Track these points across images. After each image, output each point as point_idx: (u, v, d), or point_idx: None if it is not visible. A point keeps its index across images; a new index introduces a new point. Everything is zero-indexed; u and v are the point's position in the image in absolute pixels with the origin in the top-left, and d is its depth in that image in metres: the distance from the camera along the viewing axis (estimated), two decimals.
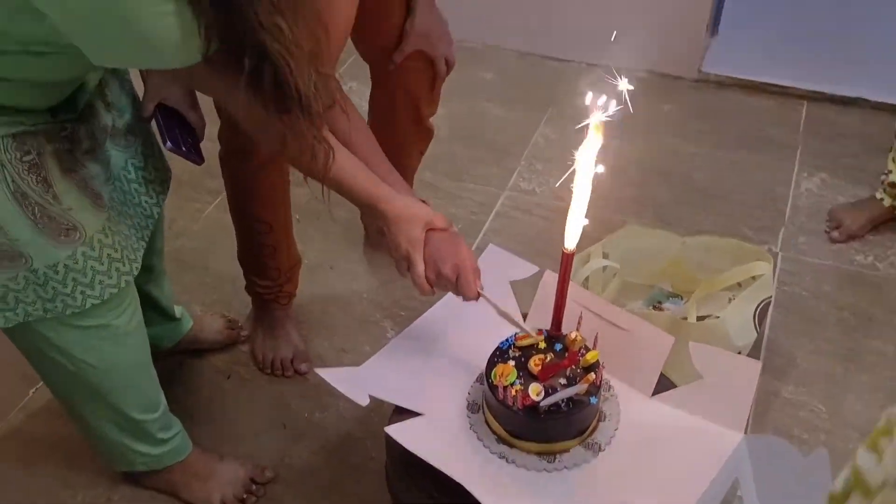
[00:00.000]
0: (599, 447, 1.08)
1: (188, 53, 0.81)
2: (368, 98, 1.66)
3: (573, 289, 1.21)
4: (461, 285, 1.08)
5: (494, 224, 2.02)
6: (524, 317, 1.29)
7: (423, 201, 1.15)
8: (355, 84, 2.20)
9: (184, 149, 1.20)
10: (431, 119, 1.70)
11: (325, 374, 1.15)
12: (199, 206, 2.05)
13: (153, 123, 1.24)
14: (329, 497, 1.46)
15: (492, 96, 2.48)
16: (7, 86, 0.92)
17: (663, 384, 1.17)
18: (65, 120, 1.02)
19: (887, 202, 1.92)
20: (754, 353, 1.63)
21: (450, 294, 1.14)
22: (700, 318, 1.67)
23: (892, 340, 1.70)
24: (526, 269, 1.33)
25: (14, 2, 0.81)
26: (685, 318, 1.66)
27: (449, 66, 1.57)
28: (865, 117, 2.32)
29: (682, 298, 1.76)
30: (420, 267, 1.08)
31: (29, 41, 0.86)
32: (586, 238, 1.94)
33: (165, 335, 1.63)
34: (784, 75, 2.42)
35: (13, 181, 0.97)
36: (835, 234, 1.94)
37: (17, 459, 1.53)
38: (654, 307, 1.76)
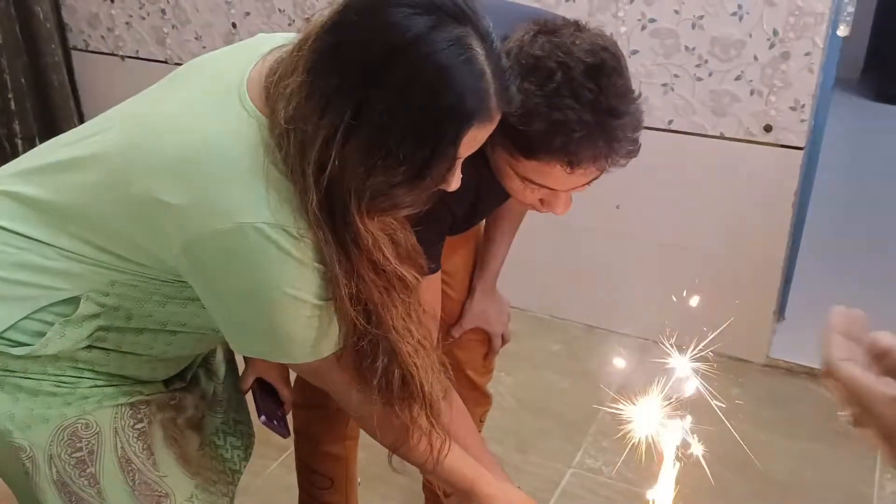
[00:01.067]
0: None
1: (317, 352, 0.85)
2: None
3: None
4: None
5: (560, 501, 1.93)
6: None
7: (518, 487, 1.13)
8: None
9: (275, 422, 1.24)
10: (488, 386, 1.70)
11: None
12: (263, 462, 2.03)
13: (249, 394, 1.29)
14: None
15: (559, 368, 2.49)
16: (136, 360, 0.96)
17: None
18: (175, 389, 1.05)
19: None
20: None
21: None
22: None
23: None
24: None
25: (169, 289, 0.87)
26: None
27: (504, 341, 1.63)
28: None
29: None
30: None
31: (168, 321, 0.92)
32: None
33: None
34: None
35: (122, 448, 0.99)
36: None
37: None
38: None
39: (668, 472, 0.94)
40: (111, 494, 1.00)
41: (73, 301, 0.92)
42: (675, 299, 2.53)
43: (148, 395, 1.00)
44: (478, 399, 1.69)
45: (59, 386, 0.96)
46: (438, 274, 1.21)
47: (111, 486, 1.00)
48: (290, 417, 1.37)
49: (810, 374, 2.45)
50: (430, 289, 1.13)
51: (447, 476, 1.05)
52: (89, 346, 0.95)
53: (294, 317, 0.84)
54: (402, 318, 0.82)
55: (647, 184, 2.33)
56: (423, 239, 1.00)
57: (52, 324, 0.92)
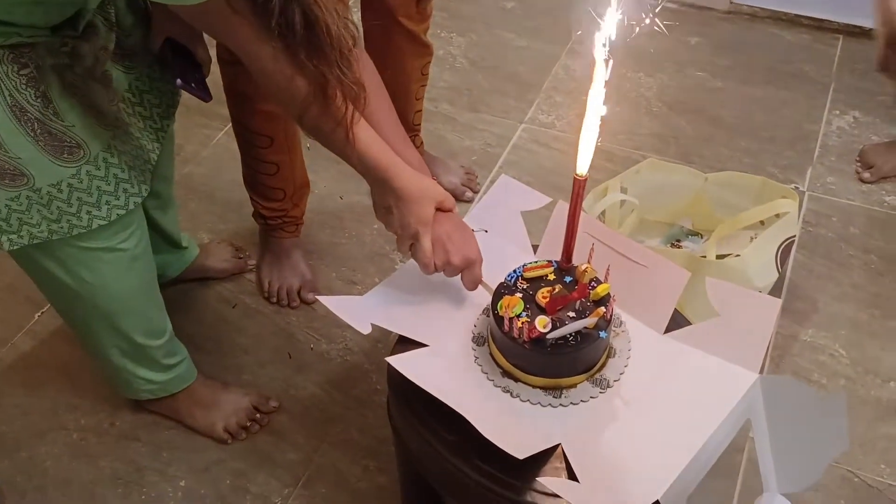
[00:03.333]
0: (608, 383, 1.04)
1: None
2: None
3: (586, 220, 1.15)
4: (467, 278, 1.07)
5: (511, 156, 1.95)
6: (535, 249, 1.25)
7: (434, 177, 1.10)
8: None
9: (192, 85, 1.16)
10: (428, 36, 1.62)
11: (328, 301, 1.11)
12: (208, 133, 2.01)
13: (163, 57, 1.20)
14: (332, 429, 1.44)
15: (513, 26, 2.38)
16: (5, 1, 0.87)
17: (677, 321, 1.12)
18: (65, 36, 0.97)
19: None
20: (775, 293, 1.58)
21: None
22: (720, 258, 1.61)
23: None
24: (538, 200, 1.27)
25: None
26: (704, 257, 1.61)
27: None
28: None
29: (701, 237, 1.70)
30: (428, 248, 1.04)
31: None
32: (604, 171, 1.92)
33: (171, 263, 1.60)
34: (820, 7, 2.30)
35: (10, 95, 0.93)
36: (865, 174, 1.86)
37: (22, 383, 1.52)
38: (673, 245, 1.70)
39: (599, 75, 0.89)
40: (13, 146, 0.96)
41: None
42: None
43: (28, 37, 0.92)
44: (417, 50, 1.61)
45: None
46: None
47: (10, 137, 0.95)
48: (215, 82, 1.31)
49: (773, 17, 2.36)
50: None
51: (361, 157, 1.00)
52: None
53: None
54: None
55: None
56: None
57: None
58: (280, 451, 1.41)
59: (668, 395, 1.03)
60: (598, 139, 0.93)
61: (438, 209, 1.05)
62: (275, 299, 1.64)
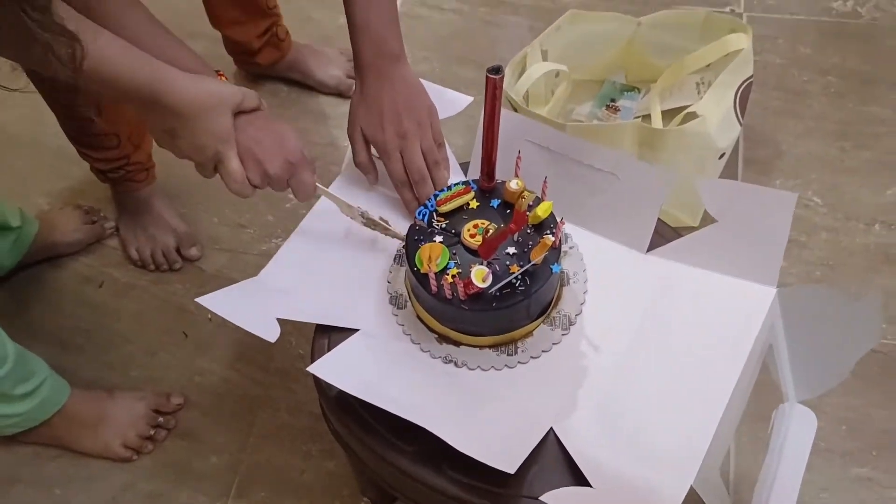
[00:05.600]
0: (569, 320, 0.82)
1: None
2: None
3: (517, 122, 0.89)
4: (296, 188, 0.84)
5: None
6: (464, 168, 0.97)
7: (221, 74, 0.82)
8: None
9: None
10: None
11: (211, 301, 0.82)
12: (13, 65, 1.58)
13: None
14: (257, 416, 1.18)
15: None
16: None
17: (662, 234, 0.89)
18: None
19: None
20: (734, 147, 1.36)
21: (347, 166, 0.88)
22: (666, 114, 1.37)
23: (888, 102, 1.44)
24: (456, 101, 0.99)
25: None
26: (647, 116, 1.37)
27: None
28: None
29: (639, 91, 1.45)
30: (237, 168, 0.80)
31: None
32: (517, 27, 1.61)
33: (3, 251, 1.26)
34: None
35: None
36: None
37: None
38: (608, 107, 1.44)
39: None
40: None
41: None
42: None
43: None
44: None
45: None
46: None
47: None
48: None
49: None
50: None
51: (105, 78, 0.72)
52: None
53: None
54: None
55: None
56: None
57: None
58: (200, 458, 1.16)
59: (669, 335, 0.81)
60: None
61: (240, 113, 0.81)
62: (151, 266, 1.33)
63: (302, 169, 0.84)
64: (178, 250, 1.33)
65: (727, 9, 1.58)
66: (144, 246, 1.33)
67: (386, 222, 0.87)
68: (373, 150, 0.92)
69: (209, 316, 1.27)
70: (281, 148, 0.82)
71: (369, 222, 0.87)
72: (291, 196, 1.37)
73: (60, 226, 1.34)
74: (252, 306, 0.83)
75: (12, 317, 1.27)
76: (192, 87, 0.76)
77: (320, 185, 0.86)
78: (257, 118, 0.83)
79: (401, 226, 0.87)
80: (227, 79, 0.83)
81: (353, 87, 0.93)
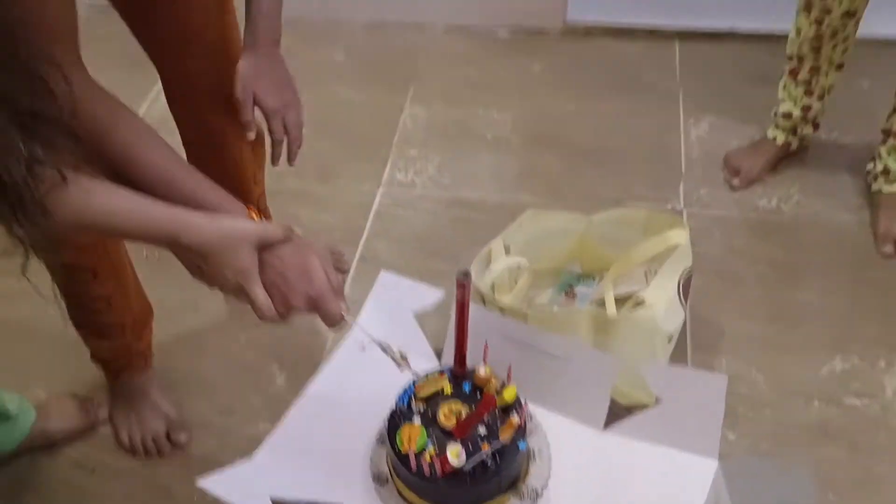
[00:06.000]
0: (536, 493, 0.90)
1: None
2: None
3: (483, 316, 1.01)
4: (322, 317, 0.87)
5: (376, 226, 1.79)
6: (438, 355, 1.09)
7: (250, 208, 0.90)
8: None
9: None
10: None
11: (211, 484, 0.90)
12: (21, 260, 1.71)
13: None
14: None
15: (345, 79, 2.22)
16: None
17: (613, 412, 1.00)
18: None
19: (780, 139, 1.83)
20: (682, 331, 1.50)
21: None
22: (619, 299, 1.52)
23: (813, 288, 1.61)
24: (429, 295, 1.12)
25: None
26: (602, 301, 1.51)
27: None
28: (740, 49, 2.22)
29: (594, 279, 1.60)
30: (262, 301, 0.84)
31: None
32: (480, 225, 1.79)
33: (1, 439, 1.32)
34: (653, 14, 2.29)
35: None
36: (735, 181, 1.83)
37: None
38: (566, 294, 1.59)
39: None
40: None
41: None
42: None
43: None
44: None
45: None
46: None
47: None
48: None
49: (609, 31, 2.32)
50: None
51: (127, 230, 0.82)
52: None
53: None
54: None
55: None
56: None
57: None
58: None
59: (618, 497, 0.90)
60: None
61: (266, 246, 0.85)
62: (141, 452, 1.40)
63: (325, 302, 0.85)
64: (168, 437, 1.40)
65: (668, 205, 1.78)
66: (135, 432, 1.40)
67: (405, 359, 0.91)
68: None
69: (194, 497, 1.33)
70: (306, 282, 0.85)
71: (389, 352, 0.91)
72: (278, 376, 1.49)
73: (56, 415, 1.41)
74: (249, 487, 0.91)
75: None
76: (207, 227, 0.81)
77: (347, 316, 0.88)
78: (284, 251, 0.85)
79: (417, 362, 0.93)
80: (256, 213, 0.90)
81: (242, 59, 1.13)
